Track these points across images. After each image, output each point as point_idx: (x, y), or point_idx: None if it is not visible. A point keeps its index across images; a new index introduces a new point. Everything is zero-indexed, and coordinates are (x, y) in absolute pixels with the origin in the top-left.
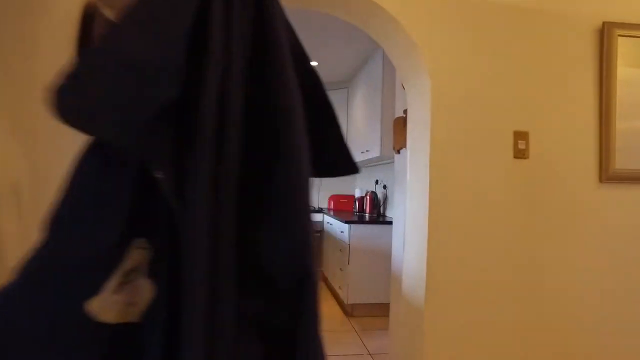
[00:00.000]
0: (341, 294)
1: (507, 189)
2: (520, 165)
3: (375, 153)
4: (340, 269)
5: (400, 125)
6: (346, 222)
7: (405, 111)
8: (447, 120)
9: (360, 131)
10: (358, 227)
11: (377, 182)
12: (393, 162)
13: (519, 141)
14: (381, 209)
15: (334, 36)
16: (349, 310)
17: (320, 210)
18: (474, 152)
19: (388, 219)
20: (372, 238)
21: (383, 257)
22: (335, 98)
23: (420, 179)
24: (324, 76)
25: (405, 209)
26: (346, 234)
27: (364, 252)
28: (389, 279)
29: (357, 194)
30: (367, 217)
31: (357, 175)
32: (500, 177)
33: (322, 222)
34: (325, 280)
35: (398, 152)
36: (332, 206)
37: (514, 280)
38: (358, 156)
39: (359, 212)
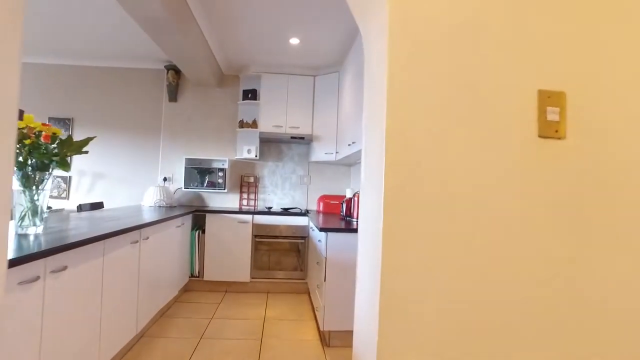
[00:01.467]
0: (318, 317)
1: (527, 191)
2: (550, 149)
3: (360, 145)
4: (318, 286)
5: None
6: (321, 230)
7: None
8: (417, 73)
9: (348, 120)
10: (336, 237)
11: None
12: None
13: (549, 108)
14: None
15: (321, 12)
16: (325, 338)
17: (306, 213)
18: (467, 128)
19: None
20: (354, 249)
21: None
22: (325, 84)
23: (373, 178)
24: (313, 58)
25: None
26: (323, 243)
27: (342, 268)
28: None
29: (348, 194)
30: (354, 222)
31: (351, 172)
32: (513, 171)
33: (307, 227)
34: (309, 297)
35: None
36: (321, 208)
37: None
38: (345, 149)
39: (346, 215)
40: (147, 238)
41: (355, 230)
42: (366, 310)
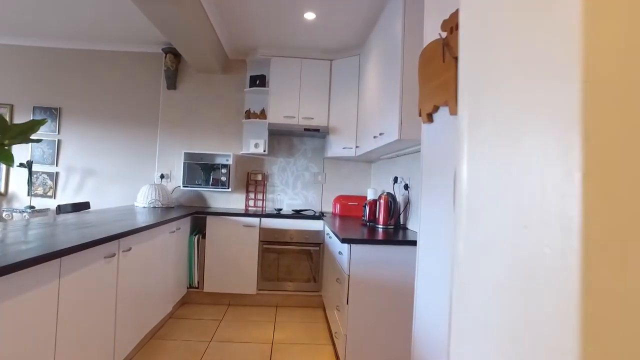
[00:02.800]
0: (337, 344)
1: None
2: None
3: (392, 136)
4: (338, 308)
5: (435, 58)
6: (344, 241)
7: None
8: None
9: (373, 109)
10: (362, 249)
11: (395, 179)
12: (418, 150)
13: None
14: (400, 218)
15: None
16: None
17: (321, 216)
18: None
19: (410, 236)
20: (384, 265)
21: (400, 299)
22: (344, 69)
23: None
24: (330, 38)
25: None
26: (345, 256)
27: (369, 287)
28: (409, 339)
29: (370, 195)
30: (380, 230)
31: (372, 170)
32: None
33: (322, 232)
34: (325, 314)
35: (429, 118)
36: (337, 210)
37: None
38: (369, 142)
39: (369, 221)
40: (129, 249)
41: (385, 242)
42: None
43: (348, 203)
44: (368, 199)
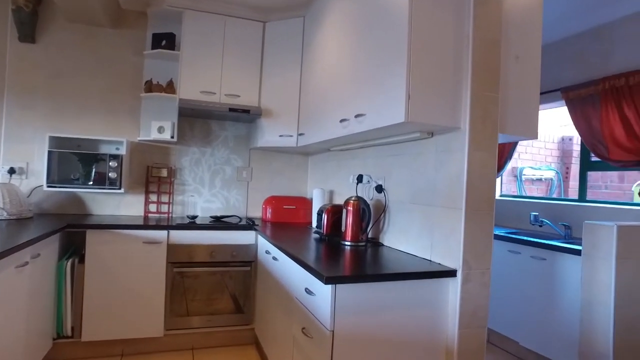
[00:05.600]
0: None
1: None
2: None
3: (386, 119)
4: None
5: None
6: (327, 281)
7: None
8: None
9: (338, 85)
10: (354, 290)
11: (359, 178)
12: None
13: None
14: (367, 231)
15: None
16: None
17: (252, 225)
18: None
19: (403, 261)
20: (389, 312)
21: None
22: (281, 34)
23: None
24: None
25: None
26: (322, 300)
27: (363, 346)
28: None
29: (317, 198)
30: (352, 250)
31: (310, 164)
32: None
33: (255, 246)
34: (260, 352)
35: None
36: (269, 216)
37: None
38: (329, 129)
39: (327, 234)
40: None
41: (398, 277)
42: None
43: (283, 206)
44: (313, 202)
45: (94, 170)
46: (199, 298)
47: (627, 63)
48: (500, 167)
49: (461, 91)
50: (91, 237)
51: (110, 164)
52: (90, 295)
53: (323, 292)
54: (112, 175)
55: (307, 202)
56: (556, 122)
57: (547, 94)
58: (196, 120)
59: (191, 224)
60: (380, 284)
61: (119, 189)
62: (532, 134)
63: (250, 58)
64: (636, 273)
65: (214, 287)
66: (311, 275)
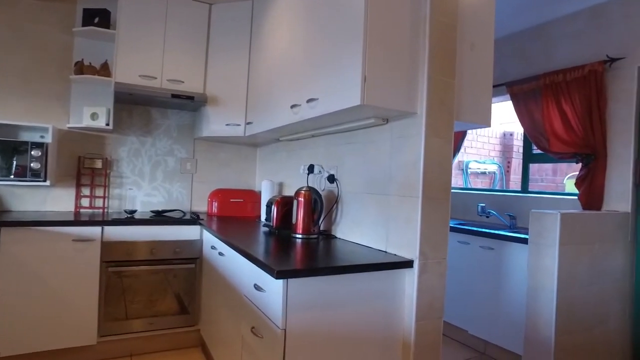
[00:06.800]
0: None
1: None
2: None
3: (340, 102)
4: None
5: None
6: (278, 276)
7: None
8: None
9: (289, 69)
10: (307, 284)
11: (311, 168)
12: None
13: None
14: (320, 223)
15: None
16: None
17: (197, 219)
18: None
19: (356, 253)
20: (347, 307)
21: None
22: (229, 18)
23: None
24: None
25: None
26: (272, 296)
27: (326, 349)
28: None
29: (266, 190)
30: (304, 243)
31: (259, 155)
32: None
33: (200, 242)
34: (206, 354)
35: None
36: (215, 210)
37: None
38: (279, 116)
39: (277, 227)
40: None
41: (354, 269)
42: None
43: (230, 199)
44: (262, 194)
45: (14, 161)
46: (139, 299)
47: (565, 60)
48: None
49: (418, 75)
50: (6, 235)
51: (32, 153)
52: (5, 303)
53: (273, 288)
54: (34, 165)
55: (255, 195)
56: (498, 120)
57: (494, 88)
58: (135, 107)
59: (129, 219)
60: (334, 277)
61: (44, 181)
62: (485, 122)
63: (195, 42)
64: (575, 258)
65: (156, 287)
66: (261, 271)
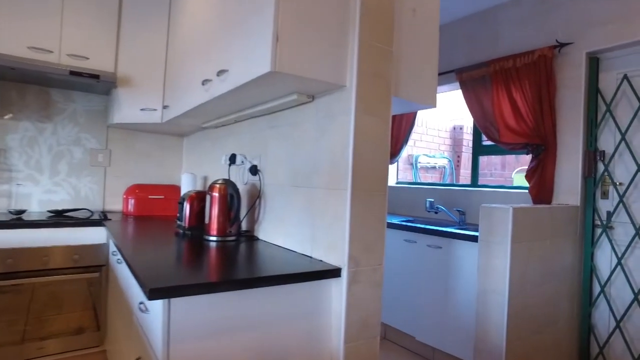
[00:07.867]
0: None
1: None
2: None
3: (250, 71)
4: None
5: None
6: (152, 295)
7: None
8: None
9: (203, 39)
10: (199, 303)
11: (232, 158)
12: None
13: None
14: (239, 222)
15: None
16: None
17: (102, 219)
18: None
19: (259, 260)
20: (252, 328)
21: None
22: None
23: None
24: None
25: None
26: (154, 319)
27: None
28: None
29: (186, 184)
30: (217, 247)
31: (185, 147)
32: None
33: (107, 246)
34: None
35: None
36: (132, 208)
37: None
38: (192, 95)
39: (190, 228)
40: None
41: (261, 282)
42: None
43: (149, 196)
44: (182, 190)
45: None
46: (30, 319)
47: (514, 45)
48: (396, 152)
49: (347, 38)
50: None
51: None
52: None
53: (155, 309)
54: None
55: (179, 191)
56: (448, 115)
57: (442, 76)
58: (28, 86)
59: (14, 221)
60: (238, 293)
61: None
62: (430, 101)
63: (104, 12)
64: (527, 257)
65: (52, 302)
66: (149, 298)
